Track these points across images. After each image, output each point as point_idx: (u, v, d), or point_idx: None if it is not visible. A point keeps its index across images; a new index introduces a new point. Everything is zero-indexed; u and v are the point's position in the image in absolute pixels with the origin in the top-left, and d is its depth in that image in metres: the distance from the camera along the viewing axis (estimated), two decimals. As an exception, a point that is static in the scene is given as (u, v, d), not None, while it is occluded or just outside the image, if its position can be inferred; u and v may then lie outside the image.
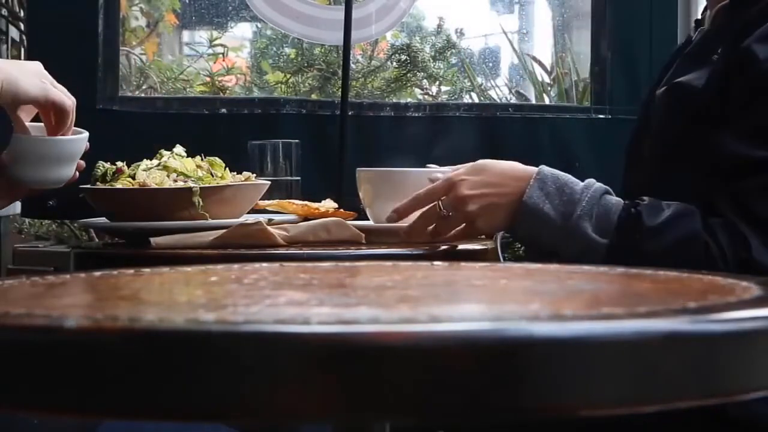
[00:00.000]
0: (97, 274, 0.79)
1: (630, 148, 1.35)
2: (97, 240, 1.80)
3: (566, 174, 1.22)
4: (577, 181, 1.20)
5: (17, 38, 3.25)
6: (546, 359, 0.44)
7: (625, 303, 0.60)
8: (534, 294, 0.67)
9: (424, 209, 1.26)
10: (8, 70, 1.18)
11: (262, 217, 1.37)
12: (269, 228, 1.29)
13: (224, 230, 1.30)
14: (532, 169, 1.20)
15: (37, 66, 1.23)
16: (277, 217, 1.42)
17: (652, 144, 1.29)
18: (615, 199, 1.17)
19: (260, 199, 1.48)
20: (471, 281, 0.75)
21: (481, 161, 1.24)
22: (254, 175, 1.48)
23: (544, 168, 1.21)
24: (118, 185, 1.40)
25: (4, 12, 3.18)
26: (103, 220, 1.47)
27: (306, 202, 1.48)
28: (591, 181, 1.20)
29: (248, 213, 1.45)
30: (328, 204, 1.48)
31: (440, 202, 1.25)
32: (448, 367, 0.43)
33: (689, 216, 1.12)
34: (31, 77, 1.20)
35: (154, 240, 1.30)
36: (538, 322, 0.46)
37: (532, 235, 1.21)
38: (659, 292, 0.67)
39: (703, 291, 0.62)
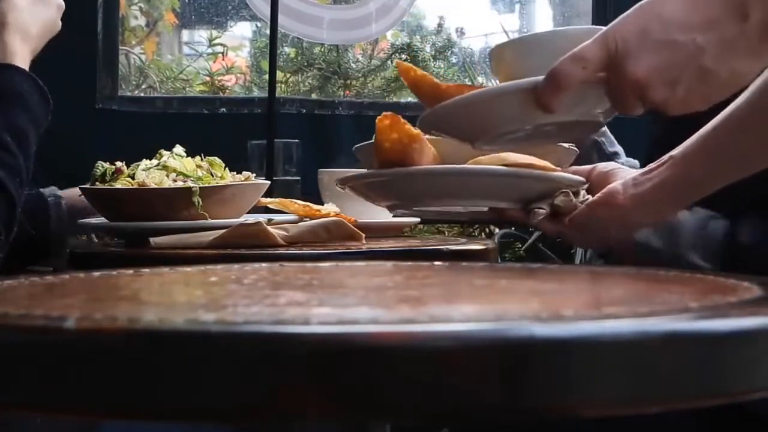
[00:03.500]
0: (97, 274, 0.78)
1: None
2: (96, 240, 1.80)
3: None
4: None
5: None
6: (547, 359, 0.44)
7: (626, 303, 0.60)
8: (535, 294, 0.67)
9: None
10: (37, 33, 1.30)
11: (262, 217, 1.37)
12: (269, 228, 1.29)
13: (224, 230, 1.30)
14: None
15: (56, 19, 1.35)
16: (277, 217, 1.42)
17: None
18: (719, 223, 1.13)
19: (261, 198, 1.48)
20: (471, 281, 0.75)
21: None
22: (254, 175, 1.48)
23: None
24: (118, 185, 1.40)
25: (4, 11, 3.17)
26: (102, 220, 1.47)
27: (308, 203, 1.48)
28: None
29: (249, 212, 1.45)
30: (330, 208, 1.48)
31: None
32: (448, 368, 0.43)
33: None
34: (45, 15, 1.33)
35: (153, 240, 1.30)
36: (538, 323, 0.46)
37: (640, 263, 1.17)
38: (660, 291, 0.67)
39: (705, 291, 0.62)
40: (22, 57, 1.21)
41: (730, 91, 0.78)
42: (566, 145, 1.21)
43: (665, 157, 1.00)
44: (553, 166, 1.10)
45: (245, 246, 1.28)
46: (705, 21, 0.74)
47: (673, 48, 0.75)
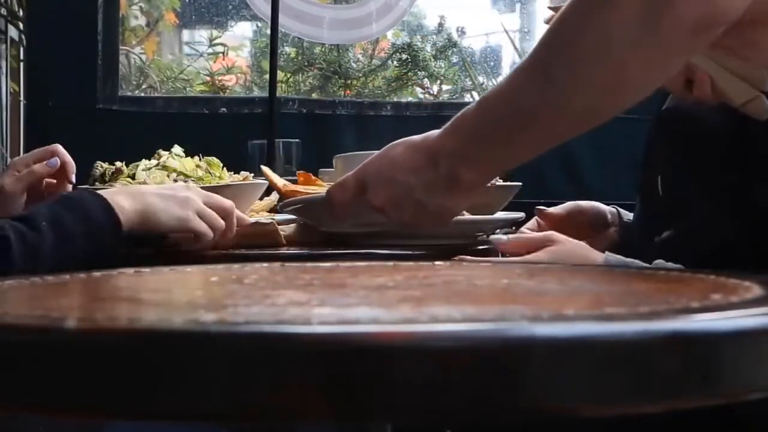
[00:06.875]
0: (97, 274, 0.78)
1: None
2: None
3: (632, 260, 1.20)
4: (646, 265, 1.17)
5: (16, 38, 3.26)
6: (547, 359, 0.44)
7: (627, 303, 0.60)
8: (536, 294, 0.67)
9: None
10: (152, 201, 1.20)
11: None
12: (278, 229, 1.30)
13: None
14: (599, 258, 1.21)
15: (188, 193, 1.25)
16: (277, 217, 1.42)
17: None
18: None
19: (261, 198, 1.48)
20: (472, 281, 0.75)
21: (557, 246, 1.24)
22: (252, 174, 1.48)
23: (609, 256, 1.21)
24: (117, 185, 1.40)
25: (4, 11, 3.18)
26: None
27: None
28: (660, 262, 1.18)
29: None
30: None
31: None
32: (449, 368, 0.43)
33: None
34: (174, 207, 1.22)
35: None
36: (539, 323, 0.46)
37: None
38: (661, 291, 0.67)
39: (705, 291, 0.62)
40: (118, 203, 1.17)
41: (447, 218, 0.97)
42: (501, 182, 1.38)
43: None
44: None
45: (254, 245, 1.28)
46: (414, 166, 0.94)
47: (395, 185, 0.95)
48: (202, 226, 1.23)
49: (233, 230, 1.27)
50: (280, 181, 1.33)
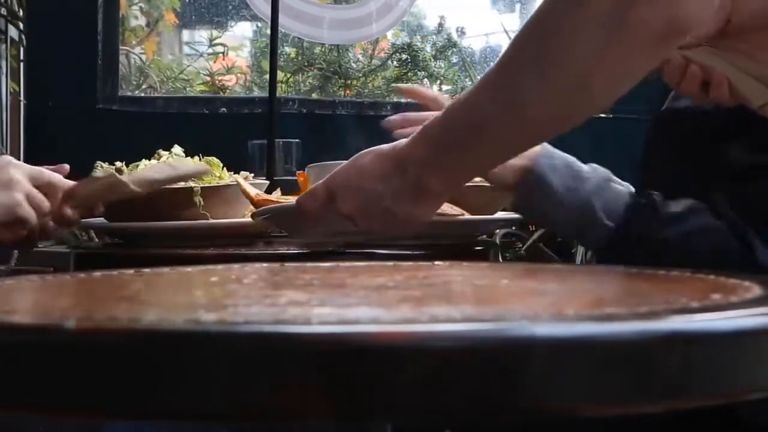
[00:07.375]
0: (97, 274, 0.78)
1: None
2: (96, 240, 1.80)
3: (572, 157, 1.19)
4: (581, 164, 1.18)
5: (16, 38, 3.26)
6: (547, 359, 0.44)
7: (626, 303, 0.60)
8: (535, 294, 0.67)
9: None
10: None
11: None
12: (120, 177, 1.25)
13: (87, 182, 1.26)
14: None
15: (12, 172, 1.14)
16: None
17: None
18: (623, 185, 1.17)
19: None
20: (472, 281, 0.75)
21: None
22: (252, 174, 1.48)
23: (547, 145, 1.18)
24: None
25: (4, 11, 3.17)
26: (101, 220, 1.47)
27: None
28: (594, 165, 1.19)
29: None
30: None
31: None
32: (448, 367, 0.43)
33: (704, 210, 1.12)
34: None
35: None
36: (539, 322, 0.46)
37: (530, 200, 1.18)
38: (661, 291, 0.67)
39: (705, 290, 0.62)
40: None
41: (415, 225, 0.96)
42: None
43: None
44: (459, 212, 1.30)
45: (108, 201, 1.25)
46: (383, 174, 0.94)
47: (363, 193, 0.95)
48: (29, 212, 1.13)
49: (62, 208, 1.17)
50: (252, 191, 1.33)
